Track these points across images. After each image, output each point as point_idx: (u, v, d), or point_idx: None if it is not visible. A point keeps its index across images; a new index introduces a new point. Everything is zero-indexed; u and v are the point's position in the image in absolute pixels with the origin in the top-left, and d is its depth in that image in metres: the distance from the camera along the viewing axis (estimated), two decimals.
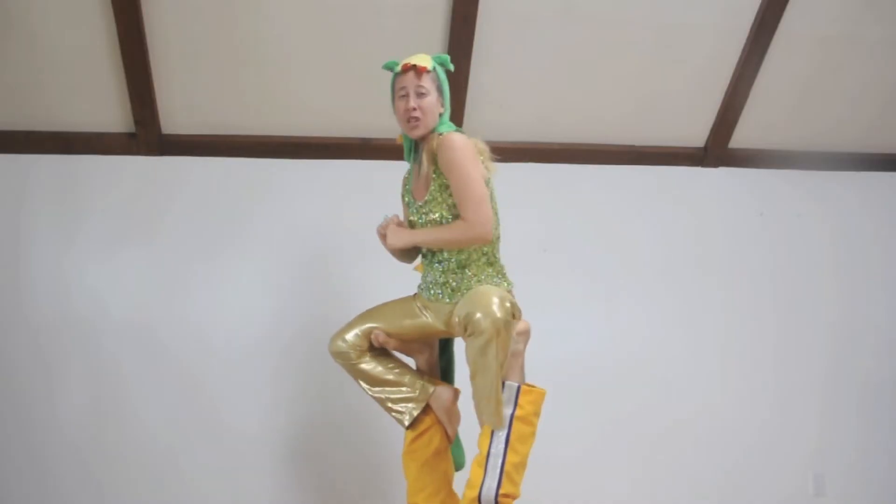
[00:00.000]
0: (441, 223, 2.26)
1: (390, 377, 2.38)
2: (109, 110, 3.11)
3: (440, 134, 2.27)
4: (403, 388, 2.38)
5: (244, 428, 3.10)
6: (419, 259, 2.51)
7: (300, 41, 3.04)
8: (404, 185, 2.47)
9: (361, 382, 2.41)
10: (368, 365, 2.38)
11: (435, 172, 2.25)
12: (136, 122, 3.11)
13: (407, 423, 2.36)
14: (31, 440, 3.01)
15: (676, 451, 3.36)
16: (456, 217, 2.23)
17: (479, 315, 2.04)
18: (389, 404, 2.38)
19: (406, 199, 2.44)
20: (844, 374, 3.57)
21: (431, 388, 2.37)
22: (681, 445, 3.37)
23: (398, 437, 2.50)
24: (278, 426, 3.11)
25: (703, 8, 3.17)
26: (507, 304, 2.07)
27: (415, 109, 2.25)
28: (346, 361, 2.39)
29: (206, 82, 3.09)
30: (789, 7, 3.19)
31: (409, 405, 2.37)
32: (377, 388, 2.39)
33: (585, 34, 3.17)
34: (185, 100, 3.12)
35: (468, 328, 2.07)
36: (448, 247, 2.26)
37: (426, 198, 2.29)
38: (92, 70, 3.01)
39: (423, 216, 2.30)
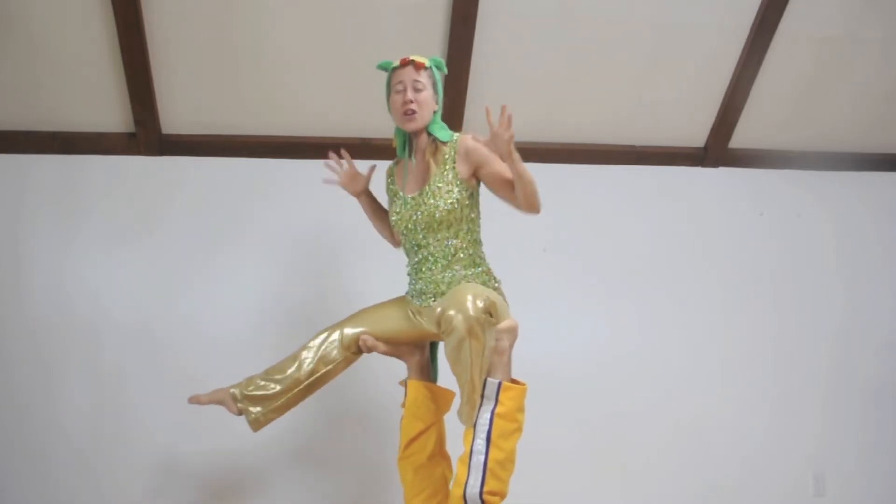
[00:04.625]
0: (440, 213, 2.27)
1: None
2: (109, 110, 3.11)
3: (448, 140, 2.32)
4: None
5: (245, 427, 3.09)
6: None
7: (300, 41, 3.04)
8: (388, 176, 2.49)
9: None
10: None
11: (445, 169, 2.29)
12: (136, 122, 3.11)
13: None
14: (31, 440, 3.01)
15: (676, 450, 3.36)
16: (454, 209, 2.27)
17: (451, 312, 2.04)
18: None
19: (392, 190, 2.46)
20: (845, 375, 3.57)
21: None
22: (681, 445, 3.37)
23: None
24: (279, 425, 3.10)
25: (703, 8, 3.17)
26: (481, 303, 2.05)
27: (412, 102, 2.28)
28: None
29: (206, 82, 3.09)
30: (789, 7, 3.19)
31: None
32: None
33: (585, 34, 3.17)
34: (185, 100, 3.12)
35: (442, 325, 2.08)
36: (526, 184, 2.21)
37: (421, 191, 2.31)
38: (92, 70, 3.01)
39: (415, 209, 2.31)
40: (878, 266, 3.67)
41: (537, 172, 3.46)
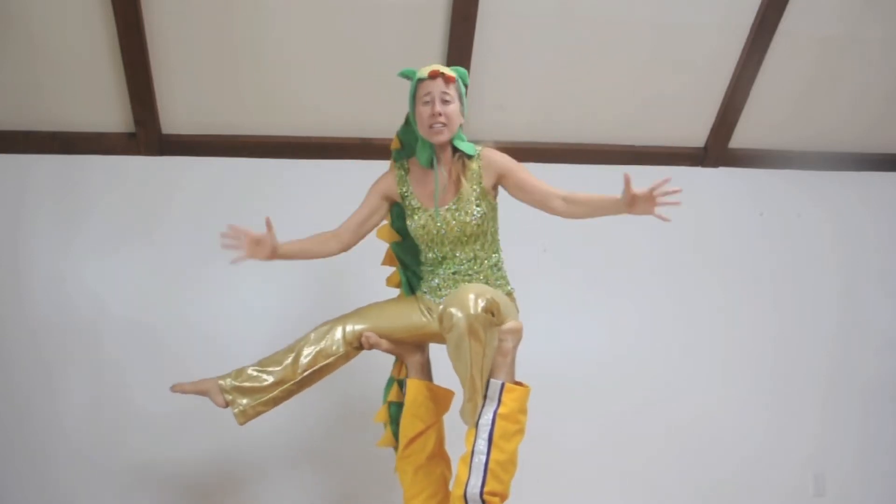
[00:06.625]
0: (470, 228, 2.31)
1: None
2: (109, 110, 3.11)
3: (474, 154, 2.34)
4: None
5: (246, 427, 3.09)
6: (394, 272, 2.56)
7: (300, 41, 3.04)
8: (401, 184, 2.44)
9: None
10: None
11: (473, 185, 2.32)
12: (136, 122, 3.11)
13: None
14: (31, 440, 3.01)
15: (676, 450, 3.36)
16: (482, 223, 2.32)
17: (452, 310, 2.05)
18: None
19: (412, 205, 2.40)
20: (844, 375, 3.57)
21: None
22: (681, 445, 3.37)
23: None
24: (280, 425, 3.11)
25: (703, 8, 3.17)
26: (482, 303, 2.05)
27: (440, 115, 2.28)
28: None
29: (206, 82, 3.09)
30: (789, 7, 3.19)
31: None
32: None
33: (585, 34, 3.17)
34: (185, 100, 3.12)
35: (443, 322, 2.09)
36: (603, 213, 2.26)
37: (450, 206, 2.32)
38: (92, 70, 3.01)
39: (444, 224, 2.32)
40: (877, 266, 3.67)
41: (537, 172, 3.45)
